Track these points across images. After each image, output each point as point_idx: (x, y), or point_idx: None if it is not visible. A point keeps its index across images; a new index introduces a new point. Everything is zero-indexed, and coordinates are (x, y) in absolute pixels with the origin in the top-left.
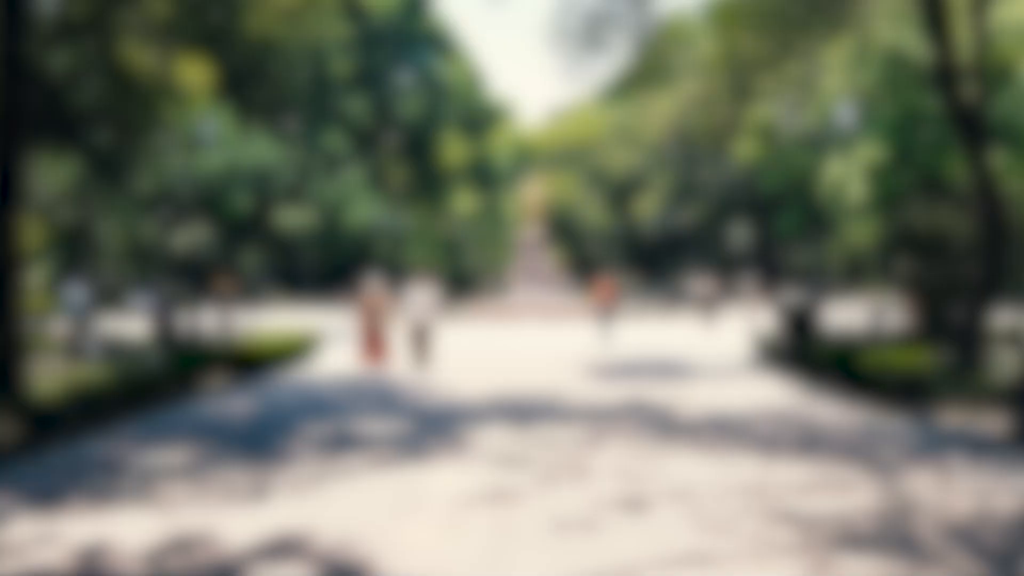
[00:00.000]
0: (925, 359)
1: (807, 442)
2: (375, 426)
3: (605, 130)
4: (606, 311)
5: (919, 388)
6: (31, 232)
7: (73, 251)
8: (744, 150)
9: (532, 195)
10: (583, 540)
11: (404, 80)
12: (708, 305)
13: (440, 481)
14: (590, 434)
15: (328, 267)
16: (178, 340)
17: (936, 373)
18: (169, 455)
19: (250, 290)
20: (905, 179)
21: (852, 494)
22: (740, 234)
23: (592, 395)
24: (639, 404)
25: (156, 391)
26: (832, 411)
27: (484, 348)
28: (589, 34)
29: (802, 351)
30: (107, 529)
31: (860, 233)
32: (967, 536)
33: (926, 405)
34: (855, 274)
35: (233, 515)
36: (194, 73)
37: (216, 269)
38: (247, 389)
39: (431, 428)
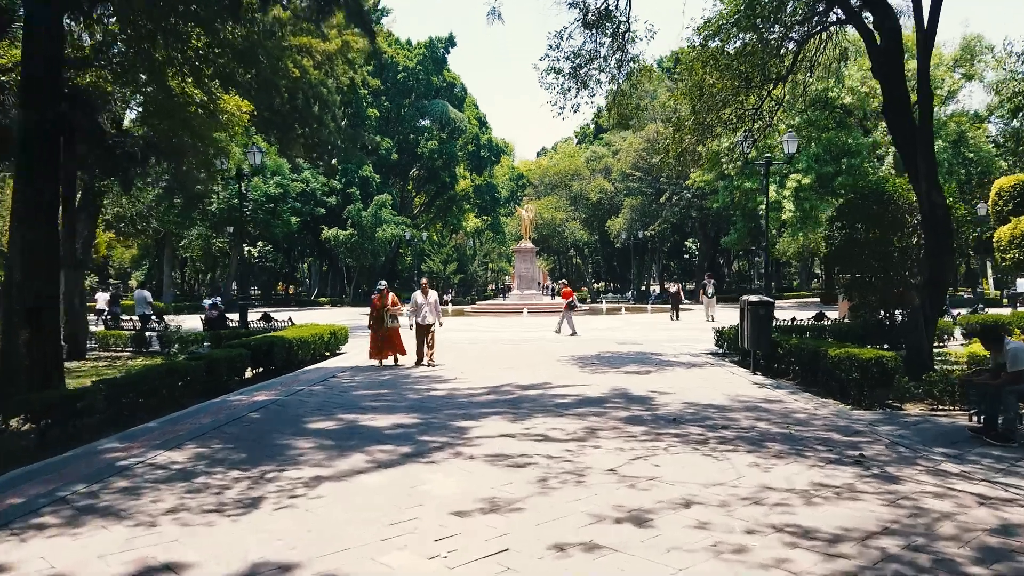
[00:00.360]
0: (886, 356)
1: (792, 437)
2: (379, 422)
3: (584, 163)
4: (566, 310)
5: (882, 382)
6: (122, 249)
7: (159, 259)
8: (698, 176)
9: (526, 213)
10: (586, 567)
11: (424, 123)
12: (675, 302)
13: (438, 486)
14: (583, 429)
15: (365, 276)
16: (228, 336)
17: (898, 368)
18: (173, 455)
19: (307, 294)
20: (820, 202)
21: (861, 502)
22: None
23: (581, 387)
24: (624, 395)
25: (191, 384)
26: (804, 403)
27: (485, 340)
28: (576, 71)
29: (765, 346)
30: (66, 558)
31: (787, 244)
32: (1005, 558)
33: (887, 398)
34: (781, 280)
35: (210, 534)
36: (234, 104)
37: (280, 277)
38: (275, 380)
39: (433, 424)
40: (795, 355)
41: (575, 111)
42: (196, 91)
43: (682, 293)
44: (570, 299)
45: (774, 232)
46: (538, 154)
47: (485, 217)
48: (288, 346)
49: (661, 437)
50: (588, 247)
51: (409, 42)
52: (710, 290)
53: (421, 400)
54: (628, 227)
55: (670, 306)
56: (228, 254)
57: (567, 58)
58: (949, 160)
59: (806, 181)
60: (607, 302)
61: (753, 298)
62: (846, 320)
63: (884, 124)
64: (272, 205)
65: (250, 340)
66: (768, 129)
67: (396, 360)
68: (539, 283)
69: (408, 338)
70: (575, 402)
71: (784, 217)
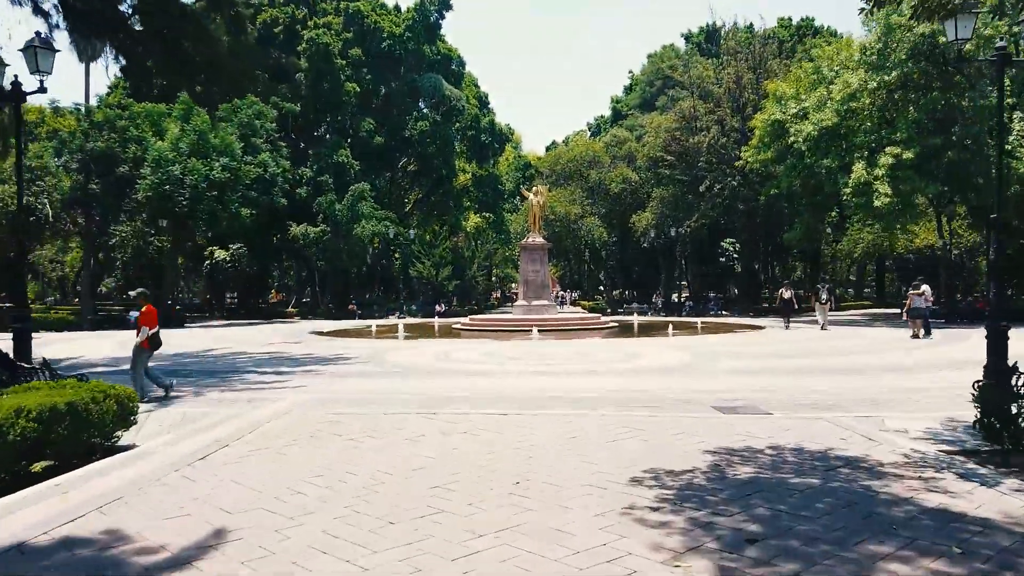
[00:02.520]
0: None
1: None
2: None
3: (603, 149)
4: (144, 348)
5: None
6: (76, 253)
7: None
8: (751, 156)
9: (534, 198)
10: None
11: (413, 102)
12: (788, 310)
13: None
14: None
15: (350, 282)
16: None
17: None
18: None
19: (289, 302)
20: (922, 183)
21: None
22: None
23: None
24: None
25: None
26: None
27: (451, 401)
28: None
29: None
30: None
31: (854, 243)
32: None
33: None
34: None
35: None
36: None
37: (253, 282)
38: None
39: None
40: None
41: None
42: None
43: (795, 300)
44: (152, 329)
45: (829, 230)
46: (547, 148)
47: (487, 214)
48: None
49: None
50: (606, 248)
51: (397, 8)
52: (824, 296)
53: None
54: (657, 223)
55: (782, 316)
56: (165, 254)
57: None
58: None
59: (908, 156)
60: (638, 313)
61: None
62: None
63: (1009, 80)
64: (216, 192)
65: None
66: None
67: None
68: (548, 288)
69: None
70: None
71: (877, 203)
